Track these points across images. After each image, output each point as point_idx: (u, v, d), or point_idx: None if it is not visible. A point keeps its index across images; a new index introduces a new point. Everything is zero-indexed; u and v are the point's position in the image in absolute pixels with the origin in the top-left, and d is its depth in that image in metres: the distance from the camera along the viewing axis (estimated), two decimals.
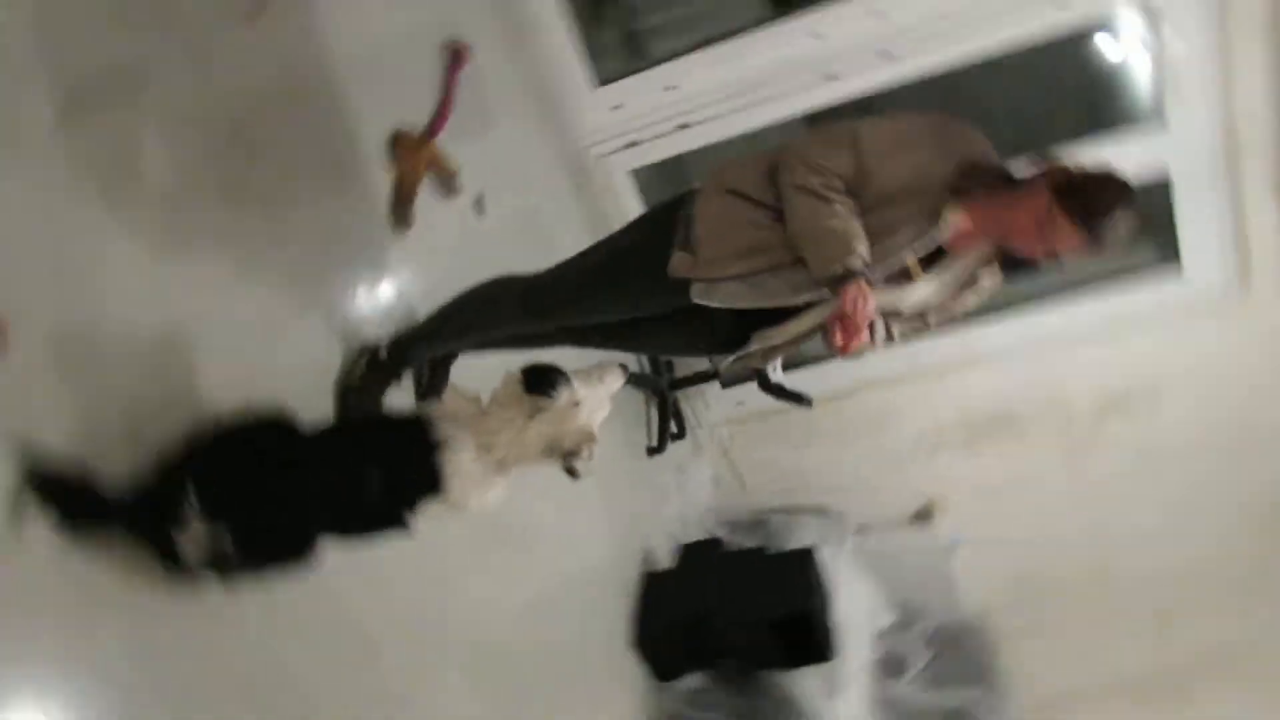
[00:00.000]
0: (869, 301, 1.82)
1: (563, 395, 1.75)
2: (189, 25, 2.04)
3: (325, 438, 1.83)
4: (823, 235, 1.83)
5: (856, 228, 1.84)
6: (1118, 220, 1.82)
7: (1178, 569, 3.71)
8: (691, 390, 3.89)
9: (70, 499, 1.54)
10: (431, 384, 2.40)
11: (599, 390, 1.85)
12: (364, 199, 2.53)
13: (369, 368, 2.30)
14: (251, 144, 2.15)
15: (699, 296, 1.94)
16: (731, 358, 2.11)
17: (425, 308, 2.42)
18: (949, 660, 3.72)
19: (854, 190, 1.88)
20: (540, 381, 1.75)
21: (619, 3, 3.78)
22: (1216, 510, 3.71)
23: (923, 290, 1.99)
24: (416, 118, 2.75)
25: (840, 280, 1.80)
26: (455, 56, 3.03)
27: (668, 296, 2.01)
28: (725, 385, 3.63)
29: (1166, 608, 3.81)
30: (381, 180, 2.58)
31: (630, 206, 3.70)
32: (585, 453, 1.77)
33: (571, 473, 1.79)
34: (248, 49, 2.20)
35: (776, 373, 3.01)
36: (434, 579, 2.37)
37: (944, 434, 3.88)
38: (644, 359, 3.62)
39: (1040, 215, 1.82)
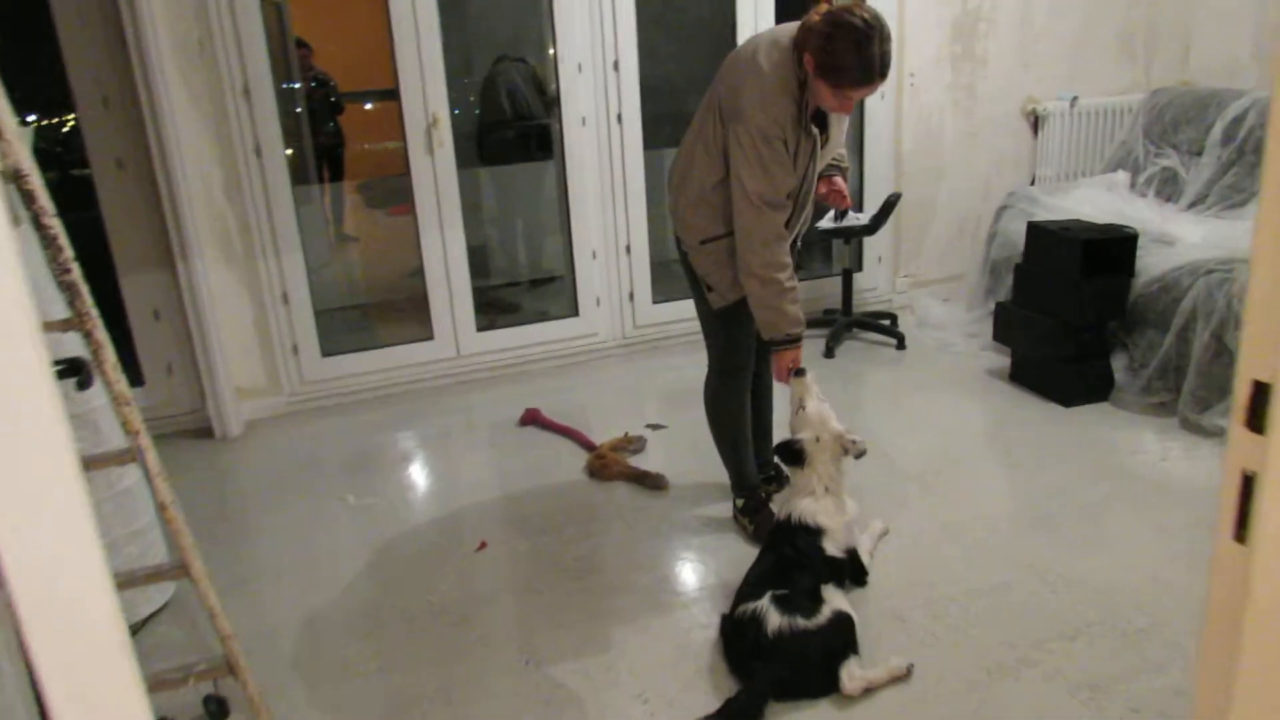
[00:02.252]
0: (798, 358, 2.62)
1: (808, 435, 2.57)
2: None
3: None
4: (774, 314, 2.56)
5: (788, 298, 2.55)
6: (870, 58, 2.31)
7: None
8: None
9: None
10: (776, 477, 3.16)
11: (811, 402, 2.59)
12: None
13: (745, 512, 2.98)
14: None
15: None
16: None
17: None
18: None
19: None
20: (788, 454, 2.61)
21: None
22: None
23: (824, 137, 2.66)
24: (577, 455, 3.67)
25: (782, 342, 2.61)
26: (531, 415, 4.00)
27: (742, 319, 2.72)
28: None
29: None
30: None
31: None
32: (851, 445, 2.56)
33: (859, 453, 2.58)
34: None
35: None
36: None
37: None
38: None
39: (826, 93, 2.45)
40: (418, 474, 3.65)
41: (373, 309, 5.75)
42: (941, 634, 2.39)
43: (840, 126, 2.69)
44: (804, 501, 2.55)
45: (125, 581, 2.01)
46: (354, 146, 6.51)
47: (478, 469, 3.69)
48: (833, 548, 2.50)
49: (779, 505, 2.73)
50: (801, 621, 2.19)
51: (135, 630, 2.66)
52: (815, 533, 2.50)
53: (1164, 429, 3.50)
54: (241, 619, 2.19)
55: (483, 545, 3.02)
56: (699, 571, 2.78)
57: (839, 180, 2.79)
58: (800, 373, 2.61)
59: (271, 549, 3.12)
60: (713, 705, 2.16)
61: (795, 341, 2.60)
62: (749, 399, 2.91)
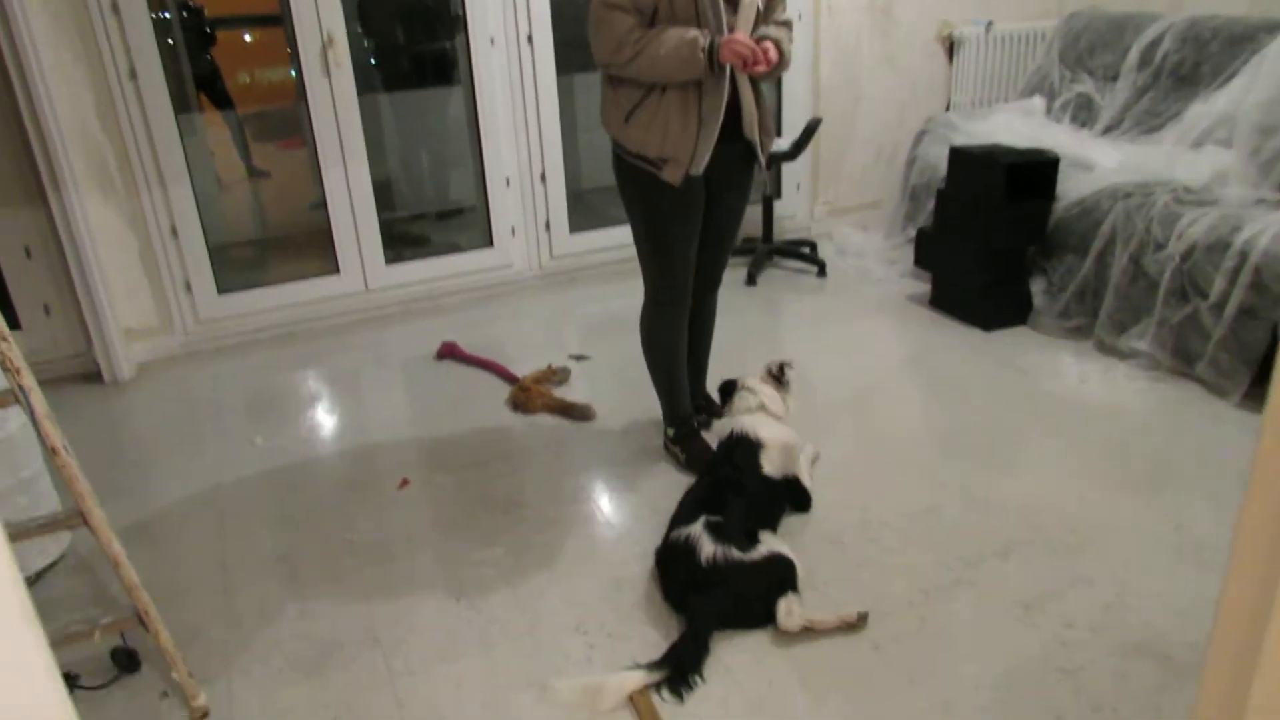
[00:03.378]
0: (740, 37, 2.37)
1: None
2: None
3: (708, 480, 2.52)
4: (672, 63, 2.34)
5: (674, 32, 2.34)
6: None
7: None
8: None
9: None
10: (723, 403, 2.90)
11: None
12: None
13: (676, 441, 2.90)
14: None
15: (696, 170, 2.49)
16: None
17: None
18: None
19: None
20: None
21: None
22: None
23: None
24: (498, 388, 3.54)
25: (711, 58, 2.37)
26: (448, 349, 3.84)
27: (688, 201, 2.56)
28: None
29: None
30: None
31: None
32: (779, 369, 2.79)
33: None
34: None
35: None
36: None
37: None
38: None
39: None
40: (330, 413, 3.47)
41: (272, 244, 5.43)
42: (876, 556, 2.38)
43: None
44: (745, 417, 2.62)
45: (18, 533, 1.84)
46: (234, 78, 6.05)
47: (394, 406, 3.53)
48: (770, 469, 2.47)
49: (720, 429, 2.70)
50: (736, 553, 2.13)
51: (30, 583, 2.46)
52: (755, 446, 2.50)
53: (1081, 352, 3.56)
54: (148, 569, 2.03)
55: (404, 483, 2.89)
56: (631, 502, 2.71)
57: (768, 44, 2.38)
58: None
59: (175, 496, 2.92)
60: (651, 636, 2.11)
61: (715, 49, 2.33)
62: (685, 331, 2.81)
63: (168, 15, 4.67)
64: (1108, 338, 3.53)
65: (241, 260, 5.00)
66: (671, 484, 2.75)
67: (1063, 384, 3.34)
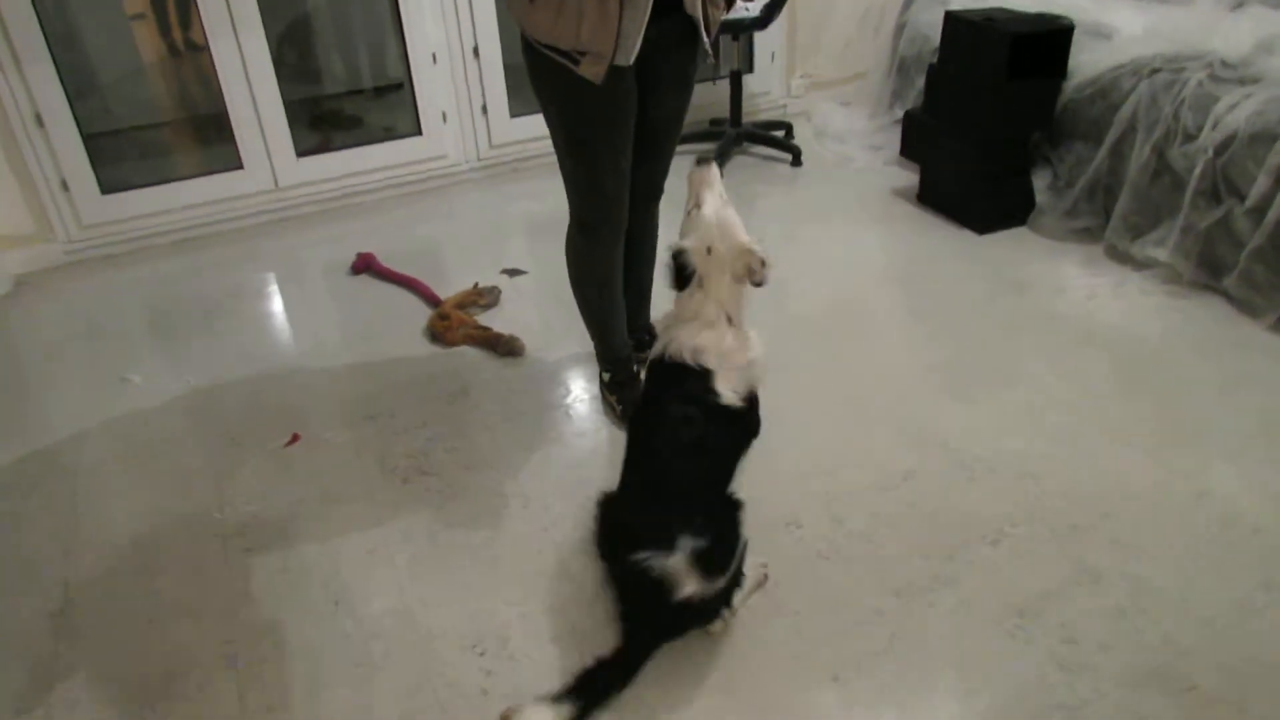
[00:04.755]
0: None
1: (697, 248, 1.82)
2: None
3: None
4: None
5: None
6: None
7: None
8: None
9: None
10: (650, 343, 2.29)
11: (712, 201, 1.86)
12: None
13: (612, 389, 2.46)
14: None
15: (624, 61, 1.91)
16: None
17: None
18: None
19: None
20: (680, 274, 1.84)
21: None
22: None
23: None
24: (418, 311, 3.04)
25: None
26: (364, 262, 3.34)
27: (615, 101, 2.03)
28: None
29: None
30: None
31: None
32: (760, 266, 1.79)
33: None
34: None
35: None
36: None
37: None
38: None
39: None
40: (221, 340, 2.98)
41: (168, 130, 4.77)
42: (842, 543, 1.97)
43: None
44: (687, 331, 1.82)
45: None
46: None
47: (297, 334, 3.06)
48: (729, 392, 1.79)
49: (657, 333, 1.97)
50: (716, 585, 1.67)
51: None
52: (703, 376, 1.79)
53: (1089, 259, 3.09)
54: None
55: (294, 439, 2.46)
56: (555, 468, 2.28)
57: None
58: (705, 162, 1.93)
59: (26, 449, 2.48)
60: (562, 658, 1.73)
61: None
62: (620, 257, 2.32)
63: None
64: (1120, 243, 3.05)
65: (135, 149, 4.38)
66: (606, 441, 2.33)
67: (1067, 302, 2.88)
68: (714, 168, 1.91)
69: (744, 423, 1.85)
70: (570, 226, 2.28)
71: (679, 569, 1.61)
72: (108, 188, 3.60)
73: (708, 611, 1.71)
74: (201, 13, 3.47)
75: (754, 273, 1.80)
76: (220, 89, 3.62)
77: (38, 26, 3.28)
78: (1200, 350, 2.59)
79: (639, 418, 1.93)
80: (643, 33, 1.89)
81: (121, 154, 4.08)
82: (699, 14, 1.99)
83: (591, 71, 1.92)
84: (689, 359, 1.78)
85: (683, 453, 1.76)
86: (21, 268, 3.52)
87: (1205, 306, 2.77)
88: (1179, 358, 2.57)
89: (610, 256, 2.27)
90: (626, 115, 2.08)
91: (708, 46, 2.06)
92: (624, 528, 1.77)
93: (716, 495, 1.76)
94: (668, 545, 1.62)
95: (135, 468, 2.40)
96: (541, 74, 2.04)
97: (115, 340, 3.06)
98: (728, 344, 1.81)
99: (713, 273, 1.82)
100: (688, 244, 1.84)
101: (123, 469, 2.40)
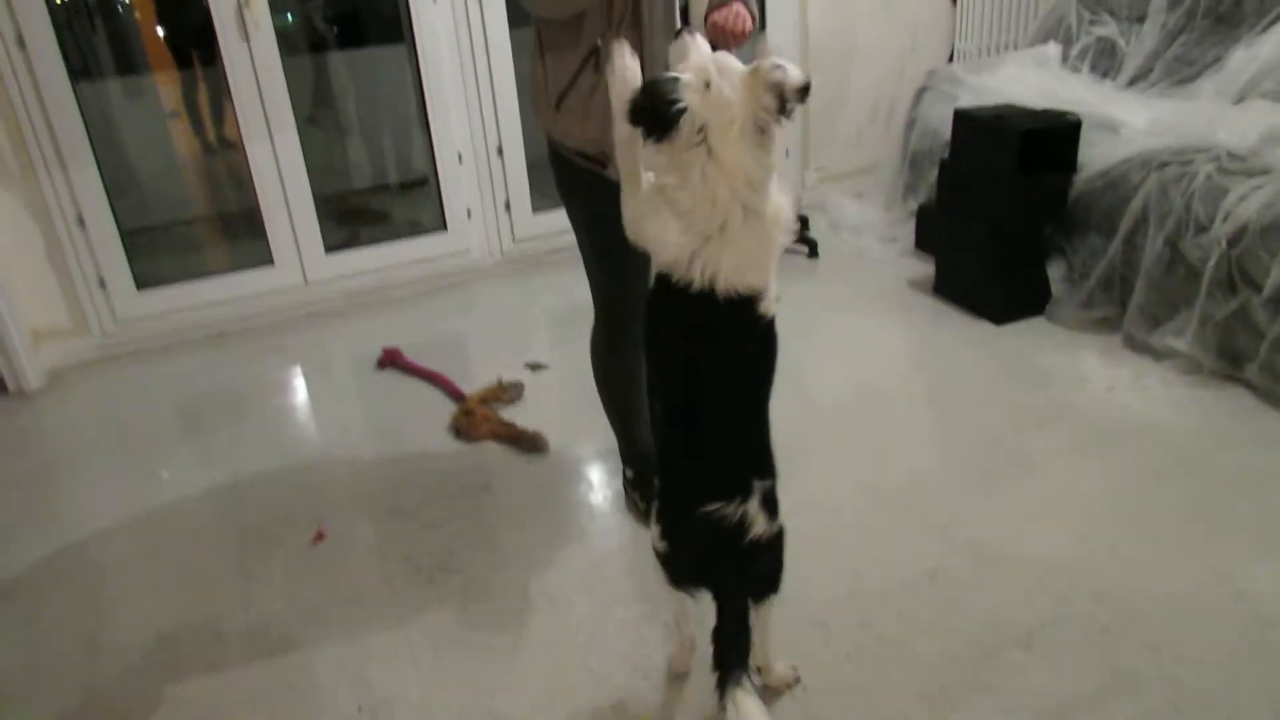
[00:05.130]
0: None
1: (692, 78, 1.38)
2: None
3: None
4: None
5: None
6: None
7: None
8: None
9: None
10: None
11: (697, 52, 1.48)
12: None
13: (636, 485, 2.46)
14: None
15: None
16: None
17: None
18: None
19: None
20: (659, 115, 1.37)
21: None
22: None
23: None
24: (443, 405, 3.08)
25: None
26: (390, 356, 3.38)
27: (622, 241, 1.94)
28: None
29: None
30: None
31: None
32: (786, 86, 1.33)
33: None
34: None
35: None
36: None
37: None
38: None
39: None
40: (248, 436, 3.02)
41: (200, 225, 4.91)
42: (870, 646, 1.95)
43: None
44: (712, 250, 1.43)
45: None
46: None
47: (324, 428, 3.10)
48: (770, 301, 1.54)
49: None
50: (779, 521, 1.65)
51: None
52: (749, 300, 1.48)
53: (1107, 349, 3.10)
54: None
55: (319, 537, 2.47)
56: (581, 568, 2.28)
57: (737, 5, 1.79)
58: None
59: (57, 545, 2.51)
60: None
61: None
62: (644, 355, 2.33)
63: None
64: (1138, 333, 3.06)
65: (169, 244, 4.50)
66: (630, 540, 2.33)
67: (1087, 393, 2.88)
68: (698, 36, 1.55)
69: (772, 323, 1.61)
70: (595, 326, 2.32)
71: (754, 510, 1.58)
72: (143, 283, 3.71)
73: (774, 565, 1.69)
74: (237, 111, 3.62)
75: (785, 100, 1.34)
76: (253, 185, 3.74)
77: (83, 129, 3.42)
78: (1225, 443, 2.58)
79: (669, 366, 1.67)
80: None
81: (157, 249, 4.20)
82: None
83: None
84: (738, 290, 1.47)
85: (737, 395, 1.60)
86: (56, 362, 3.60)
87: (1228, 398, 2.77)
88: (1203, 450, 2.56)
89: (634, 356, 2.30)
90: None
91: None
92: (695, 487, 1.61)
93: (764, 422, 1.64)
94: (744, 493, 1.58)
95: (162, 564, 2.42)
96: (570, 181, 2.10)
97: (145, 435, 3.11)
98: (750, 252, 1.46)
99: (718, 125, 1.35)
100: (682, 76, 1.38)
101: (149, 566, 2.42)
